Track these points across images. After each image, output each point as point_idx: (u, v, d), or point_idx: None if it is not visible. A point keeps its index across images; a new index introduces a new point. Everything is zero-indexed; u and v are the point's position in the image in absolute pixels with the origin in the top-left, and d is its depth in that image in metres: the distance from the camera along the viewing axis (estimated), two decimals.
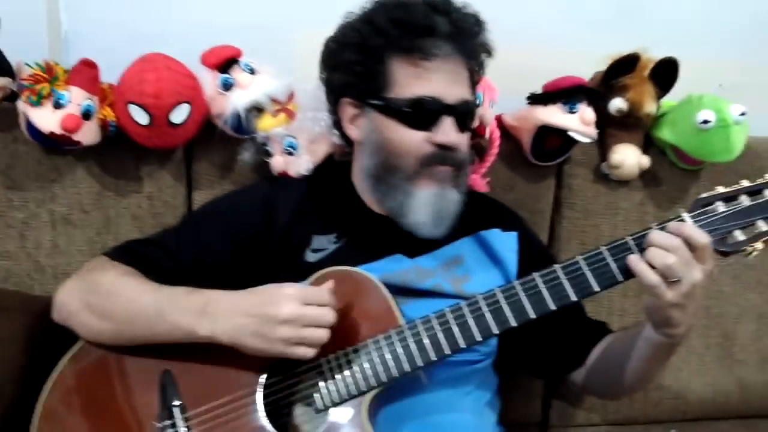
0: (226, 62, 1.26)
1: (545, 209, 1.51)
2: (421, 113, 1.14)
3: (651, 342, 1.09)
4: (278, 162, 1.29)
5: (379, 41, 1.14)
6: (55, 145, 1.24)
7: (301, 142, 1.28)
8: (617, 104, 1.44)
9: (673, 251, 0.98)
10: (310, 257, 1.19)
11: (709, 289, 1.56)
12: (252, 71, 1.27)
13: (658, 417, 1.58)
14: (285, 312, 0.99)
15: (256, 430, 1.05)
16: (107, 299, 1.10)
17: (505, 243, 1.28)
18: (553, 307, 1.04)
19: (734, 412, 1.60)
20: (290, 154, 1.28)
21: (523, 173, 1.49)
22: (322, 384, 1.05)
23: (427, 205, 1.16)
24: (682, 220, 1.04)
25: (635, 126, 1.46)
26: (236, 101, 1.24)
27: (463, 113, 1.16)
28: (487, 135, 1.40)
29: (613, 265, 1.03)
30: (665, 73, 1.43)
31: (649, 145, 1.51)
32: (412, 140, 1.14)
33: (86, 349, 1.13)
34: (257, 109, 1.27)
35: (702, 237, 0.99)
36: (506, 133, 1.47)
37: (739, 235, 1.03)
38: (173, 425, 1.06)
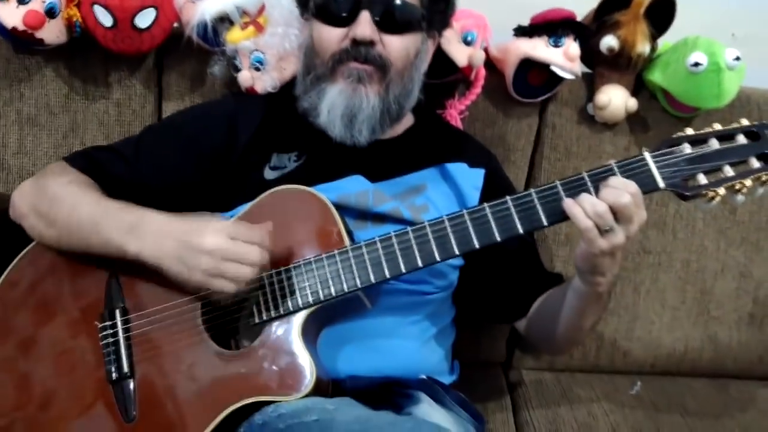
0: None
1: (526, 147, 1.46)
2: (337, 6, 1.12)
3: (577, 292, 1.07)
4: (245, 77, 1.26)
5: None
6: (21, 43, 1.23)
7: (270, 58, 1.25)
8: (608, 42, 1.37)
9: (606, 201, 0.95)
10: (269, 174, 1.18)
11: (690, 242, 1.52)
12: None
13: (624, 367, 1.55)
14: (208, 243, 0.98)
15: (194, 337, 1.05)
16: (51, 206, 1.10)
17: (469, 179, 1.25)
18: (498, 238, 1.02)
19: (705, 370, 1.57)
20: (257, 69, 1.25)
21: (505, 109, 1.44)
22: (261, 298, 1.05)
23: (336, 103, 1.14)
24: (643, 158, 1.00)
25: (626, 67, 1.40)
26: (204, 9, 1.22)
27: (387, 11, 1.12)
28: (473, 74, 1.36)
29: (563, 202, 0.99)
30: (661, 13, 1.35)
31: (640, 88, 1.45)
32: (329, 36, 1.13)
33: (39, 248, 1.14)
34: (229, 21, 1.25)
35: (630, 184, 0.96)
36: (492, 67, 1.42)
37: (703, 179, 0.99)
38: (113, 326, 1.07)
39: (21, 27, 1.16)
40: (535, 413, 1.41)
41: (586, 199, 0.97)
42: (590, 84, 1.44)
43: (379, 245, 1.04)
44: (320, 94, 1.16)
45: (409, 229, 1.04)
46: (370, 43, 1.12)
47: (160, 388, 1.04)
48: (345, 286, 1.03)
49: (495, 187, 1.26)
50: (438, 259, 1.03)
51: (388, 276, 1.03)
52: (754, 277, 1.54)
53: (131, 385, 1.04)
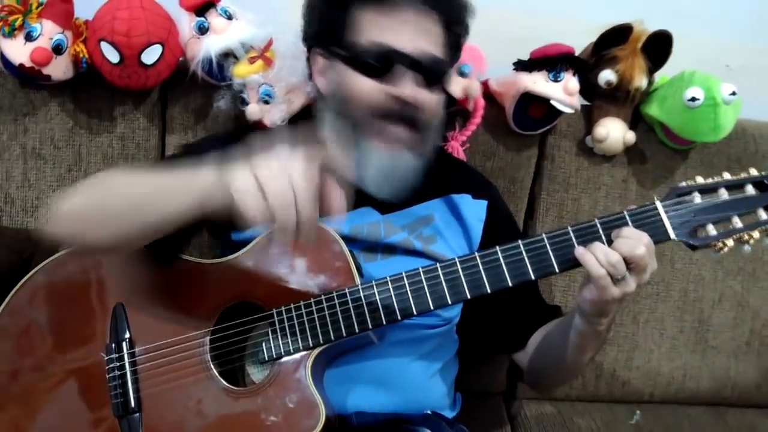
0: (203, 6, 1.25)
1: (525, 179, 1.48)
2: (377, 60, 1.10)
3: (578, 330, 1.08)
4: (254, 110, 1.27)
5: None
6: (28, 79, 1.24)
7: (278, 91, 1.26)
8: (606, 76, 1.40)
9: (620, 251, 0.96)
10: None
11: (688, 272, 1.54)
12: (229, 17, 1.25)
13: (623, 397, 1.56)
14: (283, 154, 0.84)
15: (202, 372, 1.05)
16: (102, 196, 1.01)
17: (474, 210, 1.26)
18: (509, 283, 1.02)
19: (703, 399, 1.58)
20: (266, 102, 1.26)
21: (505, 141, 1.46)
22: (270, 335, 1.05)
23: (377, 165, 1.13)
24: (655, 208, 1.00)
25: (624, 100, 1.42)
26: (209, 45, 1.23)
27: (428, 69, 1.11)
28: (470, 105, 1.38)
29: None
30: (658, 47, 1.38)
31: (638, 121, 1.48)
32: (366, 88, 1.11)
33: (47, 274, 1.12)
34: (234, 56, 1.26)
35: (643, 236, 0.97)
36: (492, 100, 1.44)
37: (712, 230, 1.00)
38: (120, 359, 1.07)
39: (28, 63, 1.17)
40: None
41: (599, 248, 0.97)
42: (589, 117, 1.46)
43: (390, 285, 1.04)
44: (360, 151, 1.13)
45: (420, 269, 1.04)
46: (415, 105, 1.11)
47: (167, 423, 1.04)
48: (356, 328, 1.03)
49: (497, 218, 1.28)
50: (450, 302, 1.03)
51: (399, 319, 1.03)
52: (750, 306, 1.55)
53: (138, 420, 1.04)
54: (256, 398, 1.02)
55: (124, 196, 1.00)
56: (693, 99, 1.33)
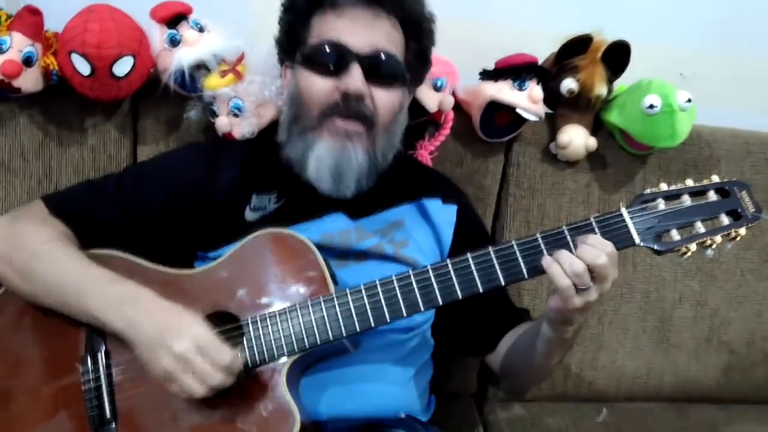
0: (174, 18, 1.26)
1: (492, 186, 1.52)
2: (325, 57, 1.14)
3: (545, 338, 1.11)
4: (223, 123, 1.28)
5: (303, 1, 1.17)
6: None
7: (248, 104, 1.28)
8: (568, 84, 1.44)
9: (585, 260, 0.98)
10: (249, 215, 1.20)
11: (649, 274, 1.59)
12: (201, 29, 1.27)
13: (590, 395, 1.61)
14: (177, 346, 0.97)
15: None
16: (30, 261, 1.09)
17: (444, 214, 1.29)
18: (480, 289, 1.04)
19: (666, 395, 1.63)
20: (236, 116, 1.28)
21: (472, 149, 1.50)
22: (245, 344, 1.06)
23: (324, 158, 1.16)
24: (620, 214, 1.04)
25: (585, 108, 1.47)
26: (181, 57, 1.24)
27: (379, 66, 1.15)
28: (442, 118, 1.41)
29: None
30: (617, 56, 1.43)
31: (599, 127, 1.52)
32: (318, 86, 1.15)
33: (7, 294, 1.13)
34: (206, 67, 1.27)
35: (608, 245, 1.00)
36: (459, 109, 1.47)
37: (675, 235, 1.03)
38: (95, 370, 1.07)
39: None
40: None
41: (565, 257, 0.99)
42: (552, 124, 1.51)
43: (364, 293, 1.06)
44: (306, 147, 1.17)
45: (394, 277, 1.06)
46: (360, 97, 1.14)
47: None
48: (330, 335, 1.05)
49: (467, 223, 1.31)
50: (422, 309, 1.05)
51: (372, 325, 1.05)
52: (709, 305, 1.61)
53: (114, 430, 1.04)
54: (231, 407, 1.03)
55: (46, 276, 1.08)
56: (651, 106, 1.38)
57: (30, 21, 1.20)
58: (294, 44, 1.19)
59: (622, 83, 1.51)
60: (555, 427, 1.52)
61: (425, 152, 1.45)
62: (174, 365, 0.97)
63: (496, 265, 1.04)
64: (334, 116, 1.15)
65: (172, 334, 0.98)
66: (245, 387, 1.04)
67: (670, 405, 1.64)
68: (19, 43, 1.19)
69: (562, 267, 0.99)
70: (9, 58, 1.17)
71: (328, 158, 1.16)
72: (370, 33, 1.15)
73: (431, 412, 1.29)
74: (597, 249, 0.99)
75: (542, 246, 1.03)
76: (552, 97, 1.48)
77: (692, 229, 1.04)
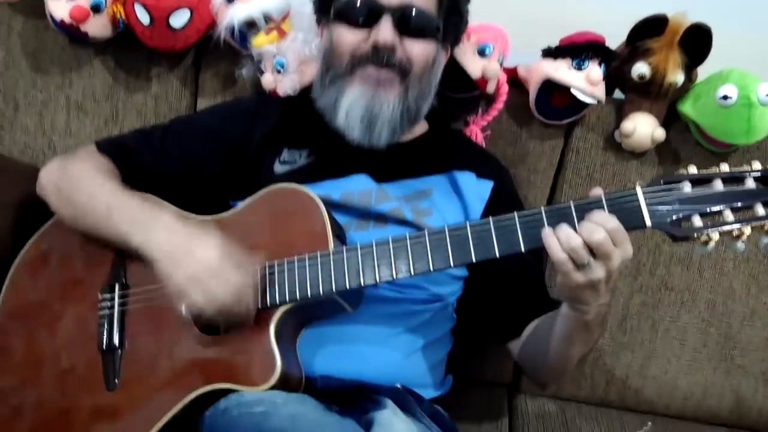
0: None
1: (547, 170, 1.44)
2: (356, 11, 1.15)
3: (564, 317, 1.05)
4: (268, 80, 1.32)
5: None
6: (70, 35, 1.34)
7: (291, 62, 1.30)
8: (639, 68, 1.33)
9: (581, 235, 0.92)
10: (278, 168, 1.23)
11: (717, 283, 1.45)
12: None
13: (635, 405, 1.50)
14: (197, 254, 1.02)
15: (178, 318, 1.09)
16: (72, 187, 1.18)
17: (475, 189, 1.25)
18: (473, 258, 1.00)
19: (725, 420, 1.49)
20: (279, 72, 1.31)
21: (529, 129, 1.43)
22: None
23: (355, 105, 1.17)
24: (634, 193, 0.96)
25: (657, 95, 1.36)
26: (233, 13, 1.29)
27: (405, 16, 1.15)
28: (490, 88, 1.36)
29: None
30: (697, 42, 1.30)
31: (674, 119, 1.40)
32: (349, 38, 1.16)
33: (57, 223, 1.23)
34: (256, 26, 1.31)
35: (608, 219, 0.93)
36: (520, 87, 1.42)
37: (698, 222, 0.94)
38: (111, 299, 1.15)
39: (68, 20, 1.27)
40: None
41: (563, 231, 0.94)
42: (620, 110, 1.41)
43: (360, 251, 1.05)
44: (339, 94, 1.19)
45: (390, 238, 1.05)
46: (391, 49, 1.15)
47: (143, 363, 1.10)
48: (321, 290, 1.05)
49: (502, 202, 1.26)
50: (412, 273, 1.03)
51: (363, 284, 1.05)
52: None
53: (118, 357, 1.12)
54: (222, 347, 1.07)
55: (85, 199, 1.15)
56: (725, 97, 1.25)
57: None
58: (328, 2, 1.20)
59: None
60: None
61: (477, 128, 1.41)
62: (188, 279, 1.01)
63: (493, 234, 1.00)
64: (366, 64, 1.16)
65: (191, 249, 1.03)
66: (238, 331, 1.07)
67: (728, 431, 1.49)
68: None
69: (559, 240, 0.93)
70: (77, 4, 1.27)
71: (359, 104, 1.17)
72: None
73: (444, 391, 1.26)
74: (596, 225, 0.92)
75: (544, 219, 0.98)
76: (623, 82, 1.38)
77: (719, 217, 0.93)
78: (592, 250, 0.93)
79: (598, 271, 0.93)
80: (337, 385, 1.12)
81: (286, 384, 1.04)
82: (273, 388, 1.02)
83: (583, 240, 0.92)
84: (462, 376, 1.32)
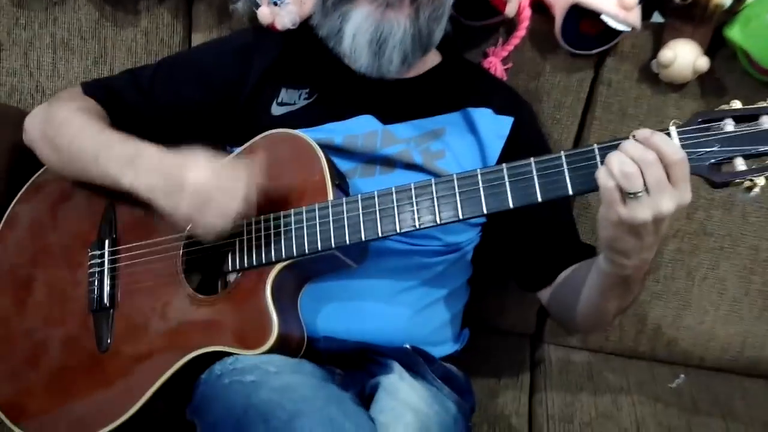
0: None
1: (575, 105, 1.31)
2: None
3: (600, 270, 0.94)
4: (264, 13, 1.19)
5: None
6: None
7: None
8: None
9: (639, 162, 0.80)
10: (276, 110, 1.13)
11: (763, 227, 1.32)
12: None
13: (667, 357, 1.41)
14: (191, 177, 0.93)
15: (171, 276, 1.04)
16: (58, 131, 1.10)
17: (494, 126, 1.14)
18: (484, 209, 0.92)
19: (763, 372, 1.39)
20: (276, 4, 1.18)
21: (554, 61, 1.29)
22: (237, 246, 1.01)
23: (362, 28, 1.04)
24: (667, 132, 0.85)
25: (701, 19, 1.20)
26: None
27: None
28: (509, 11, 1.22)
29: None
30: None
31: (720, 45, 1.25)
32: None
33: (44, 177, 1.16)
34: None
35: (674, 152, 0.80)
36: (546, 13, 1.27)
37: (741, 164, 0.82)
38: (101, 256, 1.08)
39: None
40: (553, 394, 1.31)
41: (615, 156, 0.82)
42: (658, 36, 1.25)
43: (360, 204, 0.96)
44: (343, 18, 1.06)
45: (393, 189, 0.96)
46: None
47: (135, 323, 1.04)
48: (319, 246, 0.97)
49: (524, 140, 1.15)
50: (417, 226, 0.94)
51: (363, 239, 0.96)
52: None
53: (110, 316, 1.05)
54: (216, 308, 1.00)
55: (69, 143, 1.08)
56: None
57: None
58: None
59: None
60: (615, 384, 1.34)
61: (497, 60, 1.28)
62: (195, 197, 0.93)
63: (507, 183, 0.90)
64: None
65: (183, 170, 0.94)
66: (233, 290, 1.00)
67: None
68: None
69: (609, 167, 0.82)
70: None
71: (366, 28, 1.05)
72: None
73: (460, 346, 1.18)
74: (654, 152, 0.80)
75: (564, 165, 0.88)
76: (661, 4, 1.23)
77: (766, 160, 0.82)
78: (645, 182, 0.81)
79: (645, 210, 0.81)
80: (339, 347, 1.04)
81: (285, 346, 0.97)
82: (271, 350, 0.95)
83: (638, 167, 0.80)
84: (480, 327, 1.24)
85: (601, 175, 0.83)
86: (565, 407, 1.28)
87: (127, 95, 1.16)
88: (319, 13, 1.11)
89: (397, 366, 1.02)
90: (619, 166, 0.81)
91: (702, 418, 1.29)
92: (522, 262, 1.17)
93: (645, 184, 0.80)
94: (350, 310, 1.06)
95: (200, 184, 0.93)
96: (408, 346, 1.07)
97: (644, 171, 0.80)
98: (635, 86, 1.28)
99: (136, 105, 1.16)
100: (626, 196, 0.81)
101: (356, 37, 1.05)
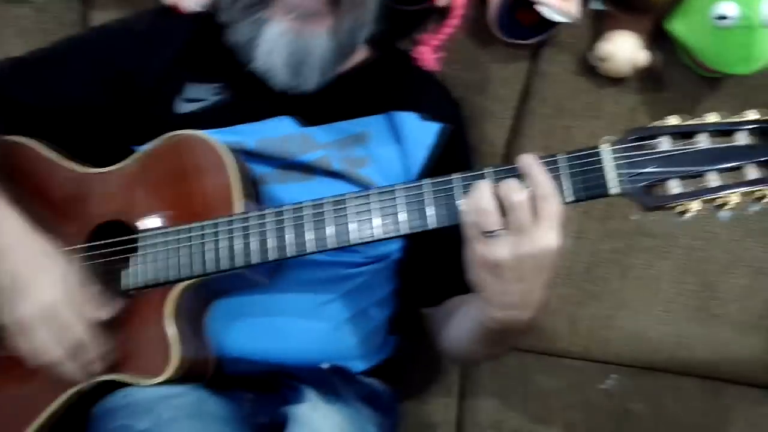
0: None
1: (509, 98, 1.24)
2: None
3: (471, 311, 0.90)
4: None
5: None
6: None
7: None
8: None
9: (501, 198, 0.75)
10: (183, 107, 1.02)
11: (698, 227, 1.28)
12: None
13: (601, 357, 1.35)
14: (38, 294, 0.86)
15: None
16: None
17: (418, 133, 1.05)
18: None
19: (696, 370, 1.35)
20: None
21: (491, 51, 1.21)
22: (132, 261, 0.91)
23: (277, 45, 0.95)
24: (597, 153, 0.78)
25: (643, 11, 1.14)
26: None
27: None
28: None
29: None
30: None
31: (663, 37, 1.18)
32: None
33: None
34: None
35: (546, 189, 0.76)
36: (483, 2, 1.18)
37: (675, 187, 0.77)
38: None
39: None
40: (483, 401, 1.28)
41: (476, 189, 0.77)
42: (598, 26, 1.18)
43: (268, 218, 0.87)
44: (255, 30, 0.96)
45: (304, 204, 0.87)
46: None
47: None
48: (221, 264, 0.88)
49: (450, 149, 1.07)
50: (327, 246, 0.86)
51: (269, 258, 0.87)
52: None
53: None
54: (113, 332, 0.89)
55: None
56: (722, 17, 1.04)
57: None
58: None
59: None
60: (546, 387, 1.31)
61: (428, 48, 1.18)
62: (26, 320, 0.86)
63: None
64: None
65: (32, 282, 0.86)
66: (129, 310, 0.91)
67: (701, 381, 1.35)
68: None
69: (470, 199, 0.77)
70: None
71: (282, 45, 0.96)
72: None
73: (384, 355, 1.10)
74: (517, 184, 0.76)
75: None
76: None
77: (701, 182, 0.77)
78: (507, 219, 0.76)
79: (501, 248, 0.75)
80: (246, 370, 0.96)
81: (190, 371, 0.89)
82: (173, 377, 0.87)
83: (499, 203, 0.75)
84: (411, 332, 1.17)
85: (462, 208, 0.78)
86: (495, 413, 1.25)
87: (12, 86, 1.02)
88: (226, 15, 1.00)
89: (309, 393, 0.93)
90: (477, 201, 0.76)
91: (633, 422, 1.27)
92: (422, 277, 1.09)
93: (507, 222, 0.75)
94: (264, 328, 0.97)
95: (46, 303, 0.86)
96: (326, 365, 1.00)
97: (507, 207, 0.75)
98: (572, 79, 1.21)
99: (23, 97, 1.02)
100: (483, 233, 0.76)
101: (271, 55, 0.96)
